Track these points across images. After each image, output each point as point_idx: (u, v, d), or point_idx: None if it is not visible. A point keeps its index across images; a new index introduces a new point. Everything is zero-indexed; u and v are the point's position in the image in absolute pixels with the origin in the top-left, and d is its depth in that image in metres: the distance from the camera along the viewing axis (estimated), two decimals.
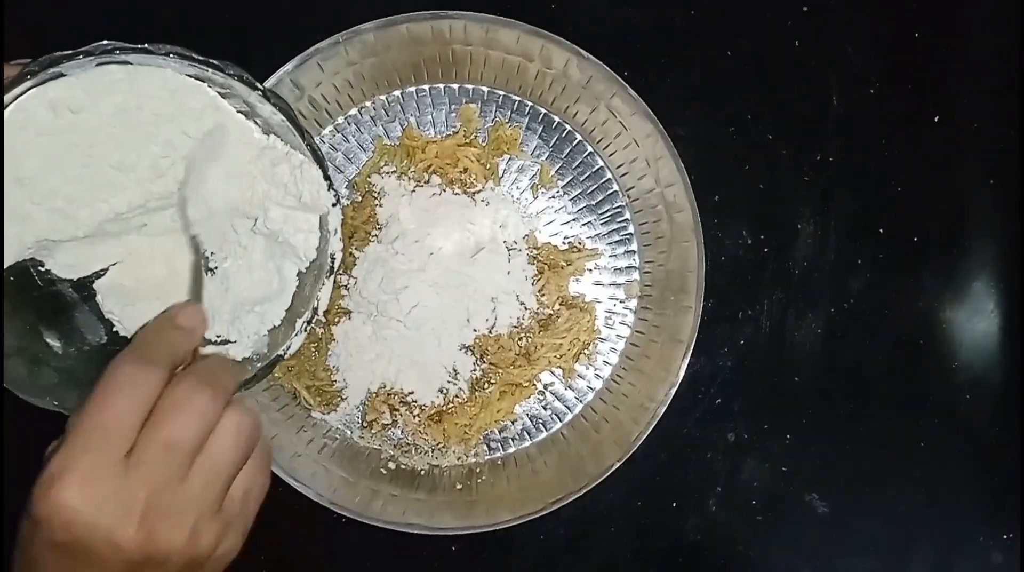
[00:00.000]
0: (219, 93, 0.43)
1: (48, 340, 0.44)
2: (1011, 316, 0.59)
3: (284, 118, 0.43)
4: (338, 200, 0.46)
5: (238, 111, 0.44)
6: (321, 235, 0.47)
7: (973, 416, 0.59)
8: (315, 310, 0.47)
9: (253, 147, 0.46)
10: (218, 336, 0.48)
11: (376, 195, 0.55)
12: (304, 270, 0.48)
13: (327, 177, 0.45)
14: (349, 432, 0.56)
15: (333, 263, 0.46)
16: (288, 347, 0.46)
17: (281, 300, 0.48)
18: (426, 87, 0.56)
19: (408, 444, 0.56)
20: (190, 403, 0.33)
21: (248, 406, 0.36)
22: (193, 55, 0.40)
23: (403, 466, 0.55)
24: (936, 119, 0.59)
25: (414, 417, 0.55)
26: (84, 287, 0.47)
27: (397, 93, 0.56)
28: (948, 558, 0.59)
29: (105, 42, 0.38)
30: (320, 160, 0.44)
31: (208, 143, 0.44)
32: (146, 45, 0.39)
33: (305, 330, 0.47)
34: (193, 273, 0.47)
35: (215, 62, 0.40)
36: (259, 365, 0.46)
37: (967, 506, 0.60)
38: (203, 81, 0.42)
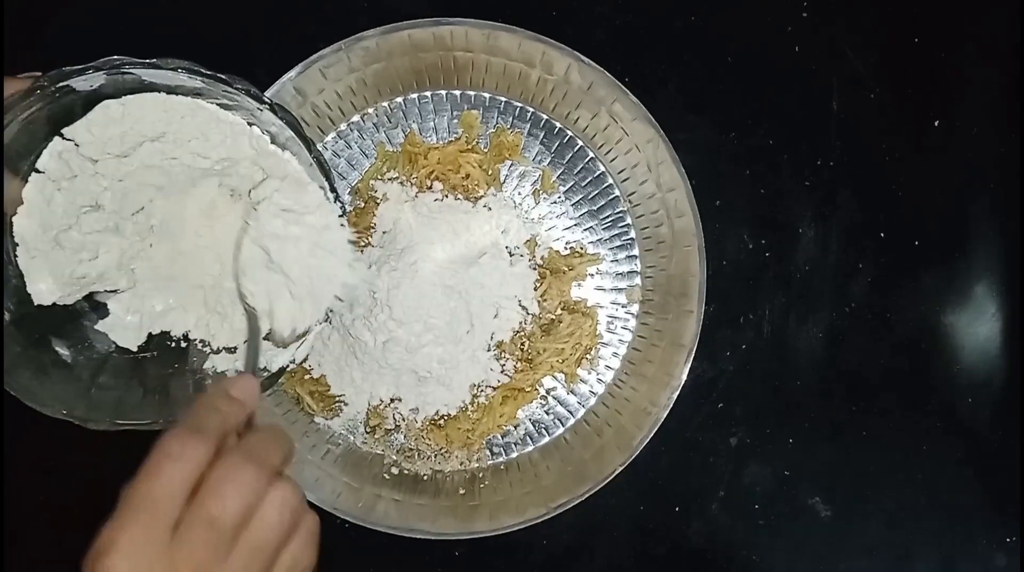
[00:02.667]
0: (223, 106, 0.44)
1: (57, 349, 0.45)
2: (1012, 320, 0.59)
3: (291, 131, 0.43)
4: (344, 211, 0.46)
5: (249, 123, 0.45)
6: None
7: (975, 419, 0.59)
8: (322, 319, 0.47)
9: (266, 156, 0.46)
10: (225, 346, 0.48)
11: (378, 201, 0.56)
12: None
13: (333, 189, 0.45)
14: (352, 437, 0.56)
15: None
16: (294, 358, 0.47)
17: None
18: (428, 93, 0.56)
19: (411, 449, 0.56)
20: (235, 479, 0.34)
21: (293, 481, 0.36)
22: (201, 70, 0.40)
23: (406, 471, 0.56)
24: (936, 123, 0.59)
25: (417, 422, 0.55)
26: (93, 296, 0.47)
27: (399, 100, 0.56)
28: (951, 561, 0.59)
29: (114, 57, 0.39)
30: (326, 172, 0.45)
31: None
32: (155, 60, 0.39)
33: (311, 338, 0.47)
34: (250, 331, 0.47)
35: (223, 76, 0.40)
36: (265, 374, 0.46)
37: (969, 509, 0.60)
38: (208, 96, 0.43)
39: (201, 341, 0.48)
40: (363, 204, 0.56)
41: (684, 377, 0.53)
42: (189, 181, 0.46)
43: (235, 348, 0.48)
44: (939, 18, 0.60)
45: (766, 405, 0.59)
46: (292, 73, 0.52)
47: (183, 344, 0.48)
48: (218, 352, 0.48)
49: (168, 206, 0.46)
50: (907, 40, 0.59)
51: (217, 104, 0.44)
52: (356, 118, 0.57)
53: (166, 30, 0.57)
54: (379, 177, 0.56)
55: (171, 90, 0.43)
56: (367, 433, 0.56)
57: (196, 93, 0.43)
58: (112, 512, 0.32)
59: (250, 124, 0.45)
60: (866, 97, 0.59)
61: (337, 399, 0.55)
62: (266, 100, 0.42)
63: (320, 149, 0.56)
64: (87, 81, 0.39)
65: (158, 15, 0.57)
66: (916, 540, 0.59)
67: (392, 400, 0.55)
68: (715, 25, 0.59)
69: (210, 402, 0.37)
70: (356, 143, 0.57)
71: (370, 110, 0.56)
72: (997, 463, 0.59)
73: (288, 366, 0.46)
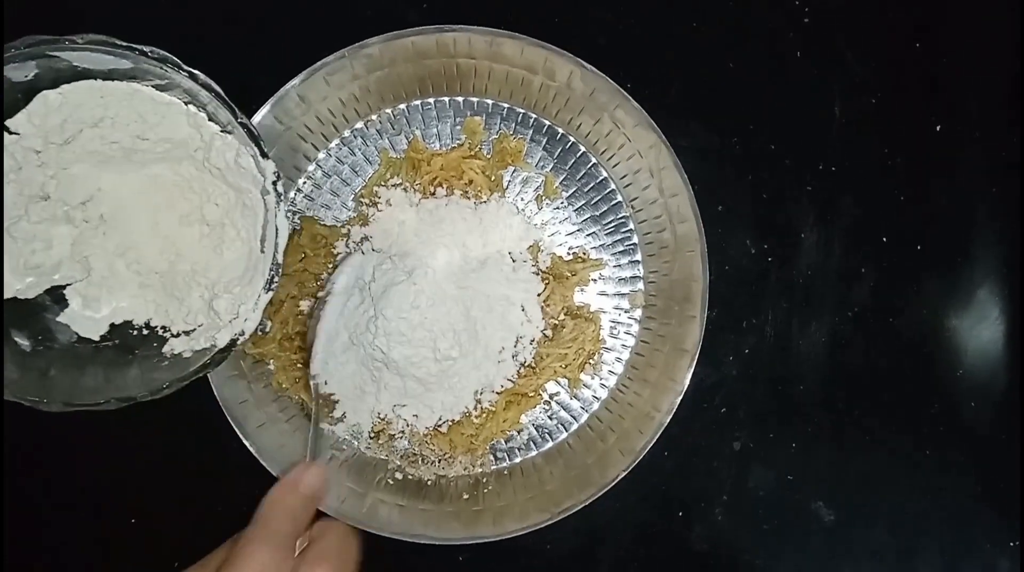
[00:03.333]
0: (158, 87, 0.44)
1: (17, 340, 0.45)
2: (1015, 323, 0.59)
3: (213, 96, 0.43)
4: (279, 177, 0.46)
5: (185, 103, 0.45)
6: (264, 213, 0.48)
7: (978, 423, 0.59)
8: (267, 286, 0.47)
9: (205, 129, 0.46)
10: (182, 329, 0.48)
11: (382, 207, 0.56)
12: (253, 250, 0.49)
13: (264, 154, 0.45)
14: (356, 443, 0.56)
15: (278, 242, 0.46)
16: (242, 332, 0.47)
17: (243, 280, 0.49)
18: (431, 100, 0.57)
19: (415, 454, 0.56)
20: None
21: None
22: (115, 41, 0.41)
23: (410, 476, 0.56)
24: (938, 128, 0.59)
25: (420, 428, 0.55)
26: (55, 289, 0.47)
27: (403, 106, 0.57)
28: (954, 565, 0.59)
29: (28, 37, 0.40)
30: (254, 136, 0.45)
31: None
32: (72, 36, 0.40)
33: (259, 312, 0.47)
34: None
35: (138, 47, 0.41)
36: (214, 350, 0.46)
37: (973, 513, 0.60)
38: (143, 79, 0.43)
39: (162, 327, 0.49)
40: (367, 210, 0.56)
41: (687, 382, 0.53)
42: (134, 166, 0.46)
43: (191, 331, 0.48)
44: (940, 23, 0.60)
45: (769, 409, 0.59)
46: (296, 80, 0.53)
47: (144, 332, 0.48)
48: (177, 336, 0.48)
49: (115, 194, 0.46)
50: (908, 45, 0.60)
51: (152, 86, 0.44)
52: (360, 125, 0.57)
53: (167, 33, 0.57)
54: (383, 183, 0.56)
55: (106, 75, 0.43)
56: (371, 439, 0.56)
57: (130, 76, 0.43)
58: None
59: (187, 103, 0.45)
60: (867, 102, 0.59)
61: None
62: (185, 68, 0.42)
63: (324, 156, 0.56)
64: (19, 70, 0.40)
65: (159, 16, 0.57)
66: (919, 544, 0.59)
67: (396, 406, 0.55)
68: (717, 31, 0.59)
69: (282, 504, 0.37)
70: (360, 150, 0.57)
71: (373, 117, 0.57)
72: (1000, 467, 0.60)
73: (238, 340, 0.46)
